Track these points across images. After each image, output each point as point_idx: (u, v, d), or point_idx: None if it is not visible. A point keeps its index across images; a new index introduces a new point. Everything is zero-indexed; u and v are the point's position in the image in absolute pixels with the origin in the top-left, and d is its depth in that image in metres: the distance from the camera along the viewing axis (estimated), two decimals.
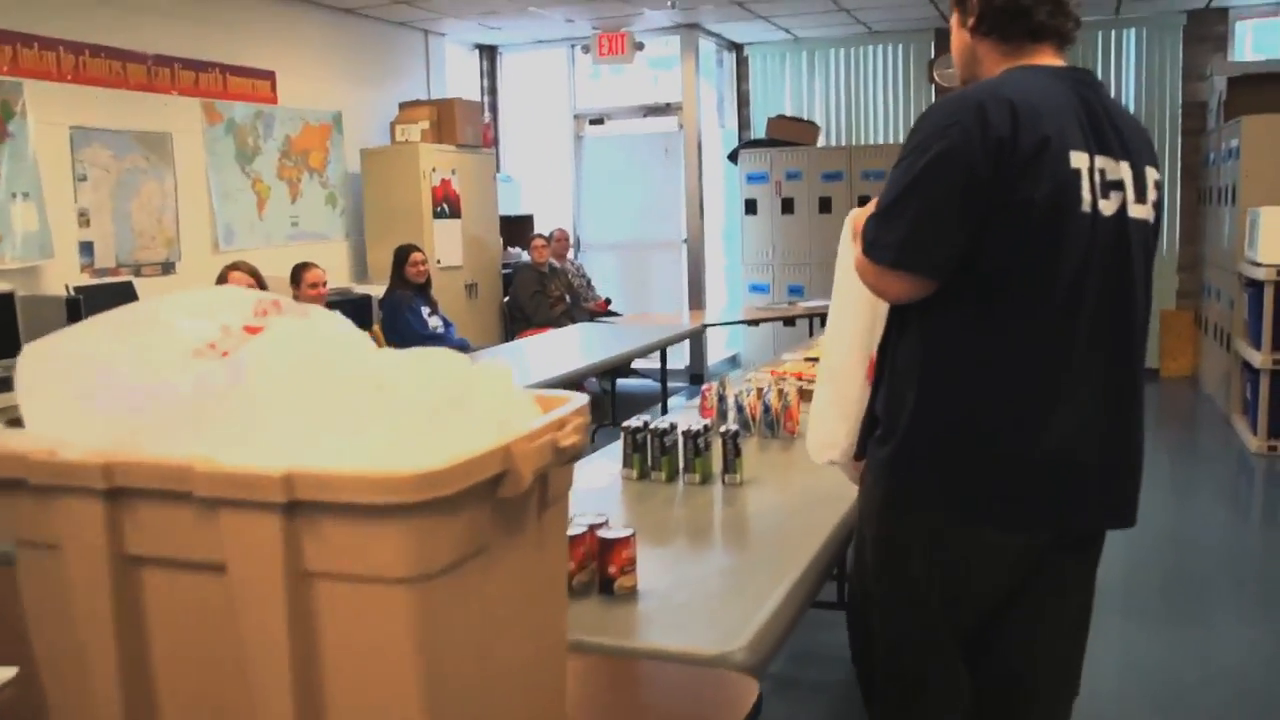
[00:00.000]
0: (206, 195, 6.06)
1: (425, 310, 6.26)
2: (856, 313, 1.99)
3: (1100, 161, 1.74)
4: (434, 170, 7.18)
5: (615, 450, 2.73)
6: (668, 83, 8.93)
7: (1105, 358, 1.76)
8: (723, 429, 2.57)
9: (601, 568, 1.79)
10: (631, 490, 2.55)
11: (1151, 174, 1.82)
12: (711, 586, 1.89)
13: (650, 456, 2.60)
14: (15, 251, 4.87)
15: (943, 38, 8.24)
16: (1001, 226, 1.68)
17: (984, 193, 1.67)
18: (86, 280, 5.24)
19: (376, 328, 6.18)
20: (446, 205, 7.32)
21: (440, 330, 6.29)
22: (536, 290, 7.74)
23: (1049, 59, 1.83)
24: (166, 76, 5.76)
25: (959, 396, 1.74)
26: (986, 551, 1.78)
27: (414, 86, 7.96)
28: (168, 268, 5.76)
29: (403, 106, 7.47)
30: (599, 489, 2.55)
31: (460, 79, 8.66)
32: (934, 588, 1.81)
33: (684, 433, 2.57)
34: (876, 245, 1.77)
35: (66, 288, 4.86)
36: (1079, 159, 1.71)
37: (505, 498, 0.99)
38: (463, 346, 6.25)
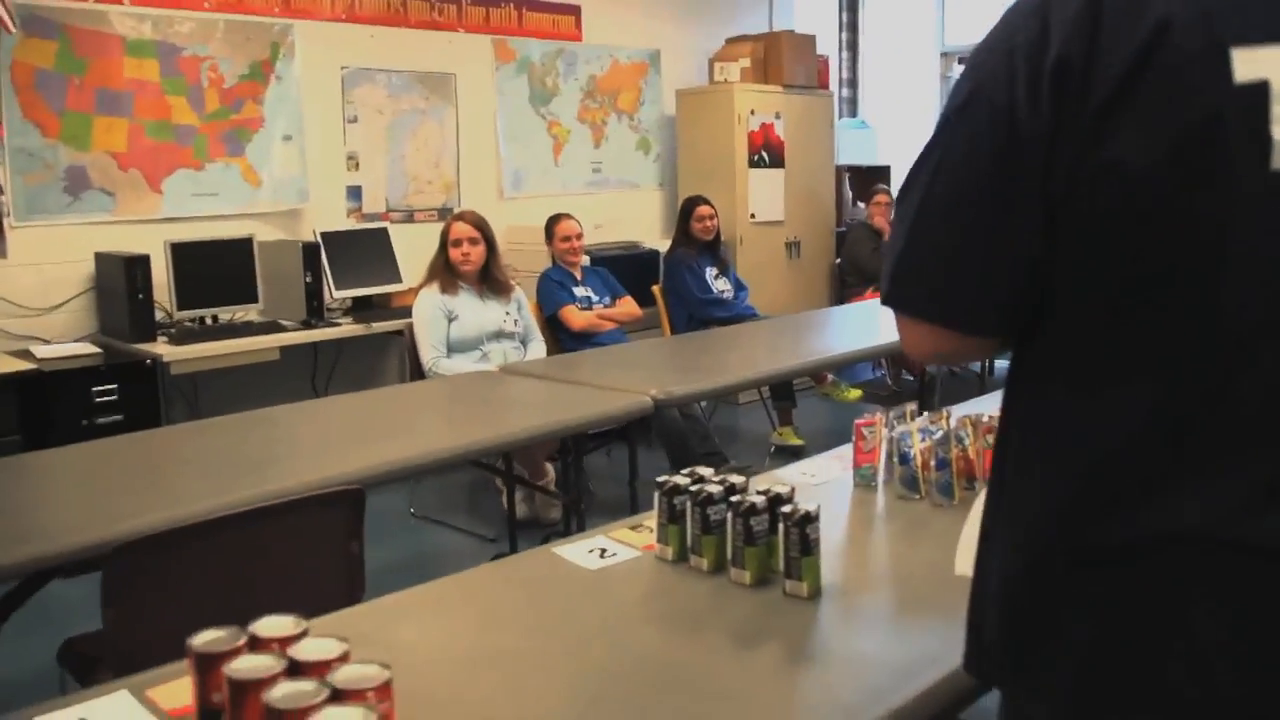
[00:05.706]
0: (493, 138, 5.75)
1: (711, 271, 5.57)
2: None
3: None
4: (752, 113, 6.41)
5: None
6: None
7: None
8: (787, 508, 1.67)
9: None
10: (654, 580, 1.75)
11: None
12: None
13: (689, 533, 1.77)
14: (271, 195, 4.81)
15: None
16: (1081, 227, 0.94)
17: (1040, 164, 0.93)
18: (353, 225, 5.11)
19: (656, 288, 5.61)
20: (766, 153, 6.54)
21: (727, 295, 5.57)
22: (874, 247, 6.77)
23: None
24: (452, 12, 5.47)
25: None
26: None
27: (752, 19, 7.20)
28: (445, 213, 5.53)
29: (729, 42, 6.75)
30: (606, 566, 1.77)
31: (810, 14, 7.74)
32: None
33: (736, 503, 1.71)
34: (887, 278, 1.07)
35: (314, 233, 4.73)
36: (1256, 61, 0.85)
37: None
38: (749, 314, 5.52)
